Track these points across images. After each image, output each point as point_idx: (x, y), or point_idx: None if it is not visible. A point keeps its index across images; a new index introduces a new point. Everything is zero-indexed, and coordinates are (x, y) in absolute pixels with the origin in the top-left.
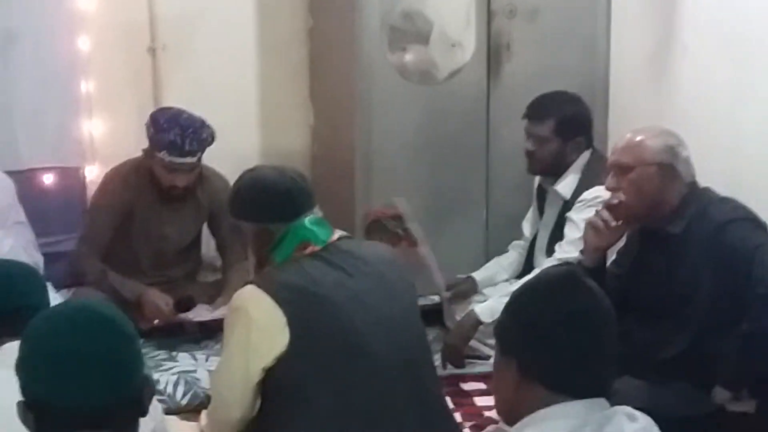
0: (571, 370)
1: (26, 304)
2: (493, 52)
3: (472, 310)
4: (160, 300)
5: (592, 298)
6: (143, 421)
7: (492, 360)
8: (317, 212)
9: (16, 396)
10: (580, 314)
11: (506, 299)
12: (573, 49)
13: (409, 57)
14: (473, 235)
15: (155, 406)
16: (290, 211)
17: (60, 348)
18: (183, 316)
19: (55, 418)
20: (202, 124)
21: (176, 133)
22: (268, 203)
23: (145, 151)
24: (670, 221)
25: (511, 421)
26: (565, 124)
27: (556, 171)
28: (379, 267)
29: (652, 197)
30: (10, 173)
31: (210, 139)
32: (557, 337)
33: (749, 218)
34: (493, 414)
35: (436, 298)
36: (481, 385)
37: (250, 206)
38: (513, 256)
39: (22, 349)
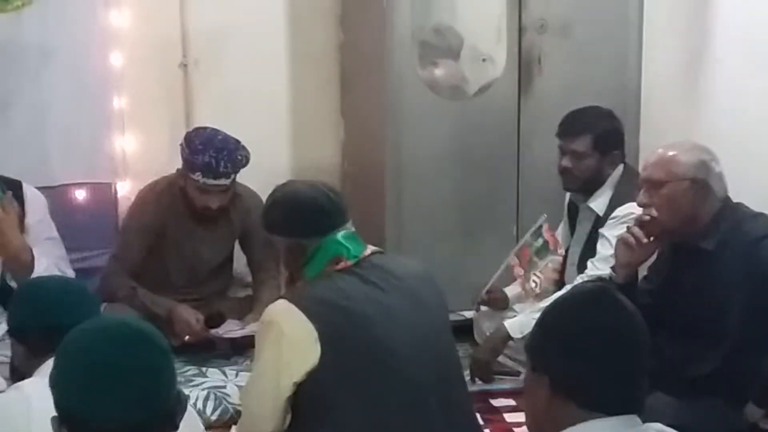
0: (604, 387)
1: (79, 322)
2: (524, 67)
3: (502, 325)
4: (191, 316)
5: (626, 315)
6: None
7: (522, 376)
8: (350, 227)
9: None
10: (613, 331)
11: (536, 315)
12: (604, 63)
13: (439, 72)
14: (503, 251)
15: (198, 427)
16: (323, 226)
17: (95, 362)
18: (214, 332)
19: (90, 429)
20: (236, 146)
21: (211, 155)
22: (301, 218)
23: (179, 171)
24: (703, 237)
25: None
26: (602, 138)
27: (592, 187)
28: (412, 282)
29: (685, 213)
30: (42, 189)
31: (244, 160)
32: (590, 353)
33: None
34: (523, 431)
35: (466, 314)
36: (511, 402)
37: (283, 221)
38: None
39: (56, 363)
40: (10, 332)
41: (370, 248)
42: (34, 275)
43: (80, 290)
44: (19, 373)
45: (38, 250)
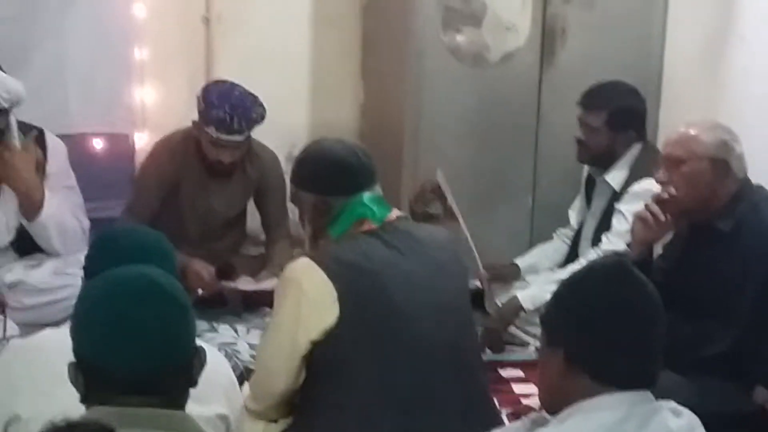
0: (618, 361)
1: None
2: (548, 38)
3: (515, 296)
4: (203, 269)
5: (643, 290)
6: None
7: (531, 348)
8: (378, 190)
9: None
10: (629, 305)
11: (549, 287)
12: (628, 37)
13: (462, 38)
14: (518, 221)
15: (236, 394)
16: (350, 185)
17: (113, 311)
18: (225, 283)
19: (103, 380)
20: (253, 103)
21: (226, 110)
22: (329, 175)
23: (194, 123)
24: (720, 217)
25: (553, 410)
26: (617, 116)
27: (605, 162)
28: (433, 249)
29: (703, 192)
30: (61, 136)
31: (259, 118)
32: (606, 327)
33: None
34: (530, 402)
35: (477, 284)
36: (520, 372)
37: (311, 176)
38: (557, 243)
39: (76, 310)
40: (86, 275)
41: (395, 212)
42: (43, 215)
43: (156, 243)
44: None
45: (56, 196)
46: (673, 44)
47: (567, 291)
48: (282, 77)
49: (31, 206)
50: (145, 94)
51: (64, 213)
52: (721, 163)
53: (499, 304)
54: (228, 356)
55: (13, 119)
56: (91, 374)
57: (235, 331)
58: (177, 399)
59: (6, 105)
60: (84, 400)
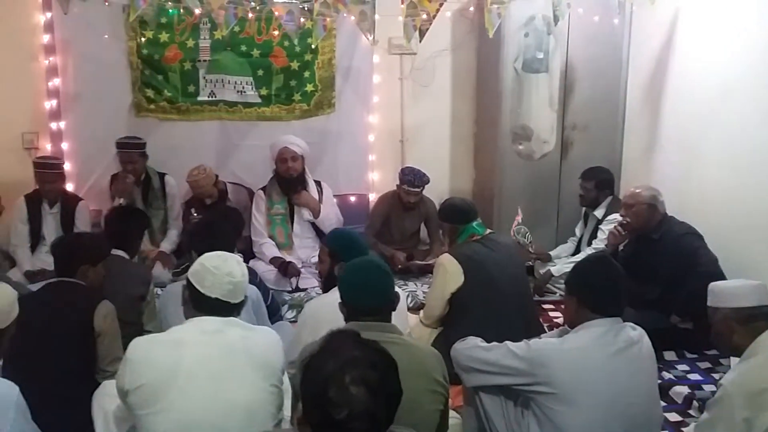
0: (603, 301)
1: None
2: (564, 146)
3: (549, 269)
4: (401, 256)
5: (613, 266)
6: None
7: (557, 295)
8: (479, 220)
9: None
10: (607, 273)
11: (567, 266)
12: (603, 146)
13: (522, 147)
14: (550, 233)
15: (404, 311)
16: (467, 218)
17: (360, 276)
18: (411, 263)
19: (354, 309)
20: (423, 175)
21: (410, 178)
22: (457, 214)
23: (397, 185)
24: (653, 232)
25: (572, 327)
26: (600, 182)
27: (593, 205)
28: (507, 247)
29: (644, 220)
30: (336, 195)
31: (426, 182)
32: (597, 284)
33: (693, 233)
34: (559, 321)
35: (530, 263)
36: (552, 306)
37: (449, 215)
38: (569, 244)
39: (342, 277)
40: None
41: (488, 230)
42: (320, 216)
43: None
44: None
45: (326, 209)
46: (627, 150)
47: (578, 267)
48: (436, 168)
49: (316, 214)
50: (374, 176)
51: (330, 215)
52: (652, 206)
53: (542, 273)
54: (410, 295)
55: (307, 169)
56: (349, 307)
57: (416, 285)
58: (387, 317)
59: (300, 152)
60: (346, 319)
